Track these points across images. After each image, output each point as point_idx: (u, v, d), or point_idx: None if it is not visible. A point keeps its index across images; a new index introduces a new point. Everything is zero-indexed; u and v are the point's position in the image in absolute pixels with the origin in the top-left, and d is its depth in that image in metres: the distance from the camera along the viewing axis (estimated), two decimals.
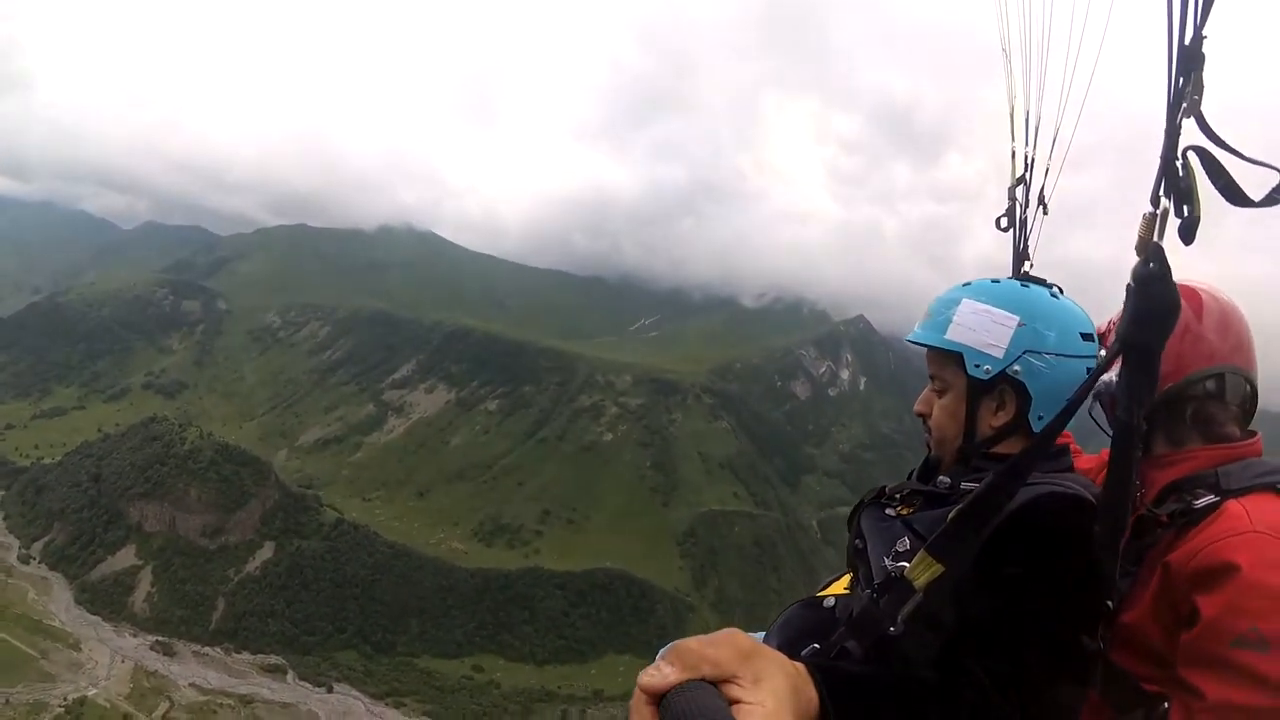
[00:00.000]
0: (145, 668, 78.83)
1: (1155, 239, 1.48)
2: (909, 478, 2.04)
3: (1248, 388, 1.92)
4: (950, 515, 1.57)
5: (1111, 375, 1.70)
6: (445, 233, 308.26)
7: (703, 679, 0.94)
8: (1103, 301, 2.06)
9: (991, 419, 1.86)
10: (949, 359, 1.90)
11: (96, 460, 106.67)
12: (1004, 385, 1.83)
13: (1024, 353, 1.79)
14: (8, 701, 67.53)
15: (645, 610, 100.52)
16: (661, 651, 1.06)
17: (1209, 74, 1.41)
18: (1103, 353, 1.84)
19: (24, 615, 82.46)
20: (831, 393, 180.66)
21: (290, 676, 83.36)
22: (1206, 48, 1.40)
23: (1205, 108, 1.43)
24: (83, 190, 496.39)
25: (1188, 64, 1.41)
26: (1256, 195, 1.40)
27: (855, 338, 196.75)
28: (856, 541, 1.96)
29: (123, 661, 79.18)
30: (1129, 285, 1.53)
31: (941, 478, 1.89)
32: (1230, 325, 1.93)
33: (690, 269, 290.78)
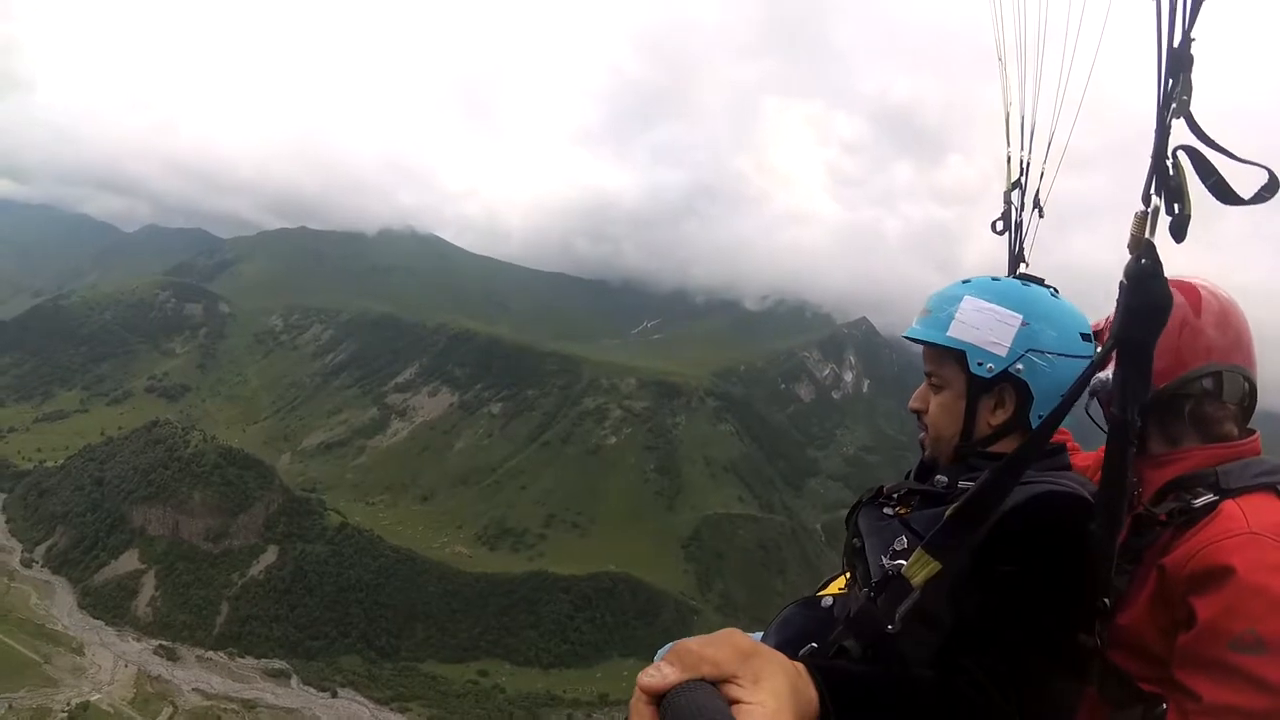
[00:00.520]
0: (148, 672, 78.27)
1: (1147, 236, 1.51)
2: (906, 477, 2.04)
3: (1246, 385, 1.89)
4: (947, 513, 1.58)
5: (1107, 373, 1.70)
6: (448, 236, 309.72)
7: (702, 679, 0.95)
8: (1097, 304, 2.03)
9: (990, 417, 1.85)
10: (948, 356, 1.88)
11: (99, 464, 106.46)
12: (1003, 384, 1.82)
13: (1026, 351, 1.79)
14: (10, 706, 67.10)
15: (650, 614, 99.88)
16: (661, 652, 1.06)
17: (1197, 76, 1.44)
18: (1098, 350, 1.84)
19: (27, 619, 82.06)
20: (835, 395, 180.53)
21: (294, 681, 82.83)
22: (1195, 50, 1.43)
23: (1194, 108, 1.46)
24: (84, 193, 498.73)
25: (1177, 66, 1.45)
26: (1245, 193, 1.45)
27: (858, 340, 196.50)
28: (854, 540, 1.96)
29: (126, 666, 78.69)
30: (1122, 282, 1.55)
31: (939, 476, 1.88)
32: (1229, 321, 1.91)
33: (693, 272, 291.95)
